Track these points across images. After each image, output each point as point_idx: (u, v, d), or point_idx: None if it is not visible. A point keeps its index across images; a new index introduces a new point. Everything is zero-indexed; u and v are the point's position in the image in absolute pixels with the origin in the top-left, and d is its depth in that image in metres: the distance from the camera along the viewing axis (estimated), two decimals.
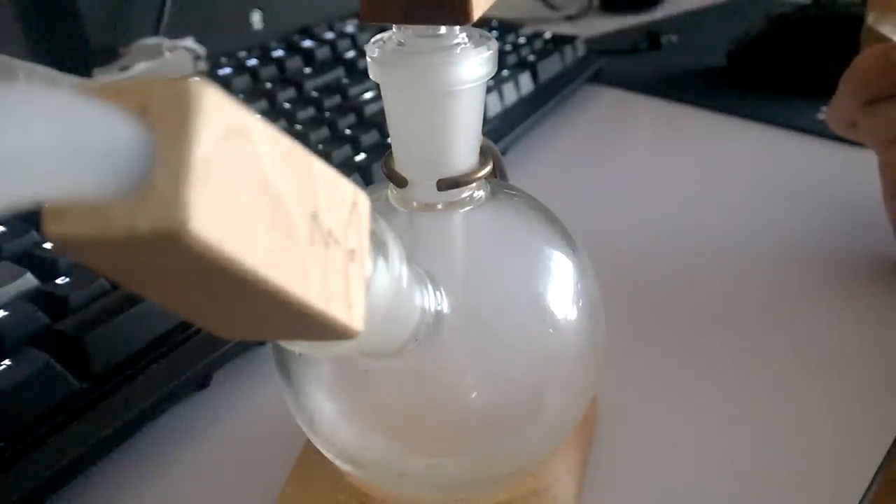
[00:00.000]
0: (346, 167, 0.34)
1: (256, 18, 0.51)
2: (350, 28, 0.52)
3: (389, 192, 0.17)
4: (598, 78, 0.54)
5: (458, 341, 0.16)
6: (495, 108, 0.43)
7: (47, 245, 0.26)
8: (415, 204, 0.17)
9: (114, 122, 0.07)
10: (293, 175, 0.09)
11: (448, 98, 0.15)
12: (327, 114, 0.39)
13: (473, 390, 0.17)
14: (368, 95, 0.42)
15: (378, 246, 0.12)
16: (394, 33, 0.15)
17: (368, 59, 0.15)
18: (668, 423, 0.24)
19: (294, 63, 0.45)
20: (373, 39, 0.15)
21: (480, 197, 0.17)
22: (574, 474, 0.21)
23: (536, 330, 0.17)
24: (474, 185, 0.17)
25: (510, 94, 0.44)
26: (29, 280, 0.24)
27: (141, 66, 0.41)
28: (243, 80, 0.42)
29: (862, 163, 0.33)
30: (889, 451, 0.22)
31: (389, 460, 0.17)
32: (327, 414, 0.18)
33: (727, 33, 0.57)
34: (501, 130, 0.41)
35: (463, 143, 0.16)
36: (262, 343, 0.27)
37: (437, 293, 0.15)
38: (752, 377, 0.26)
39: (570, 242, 0.19)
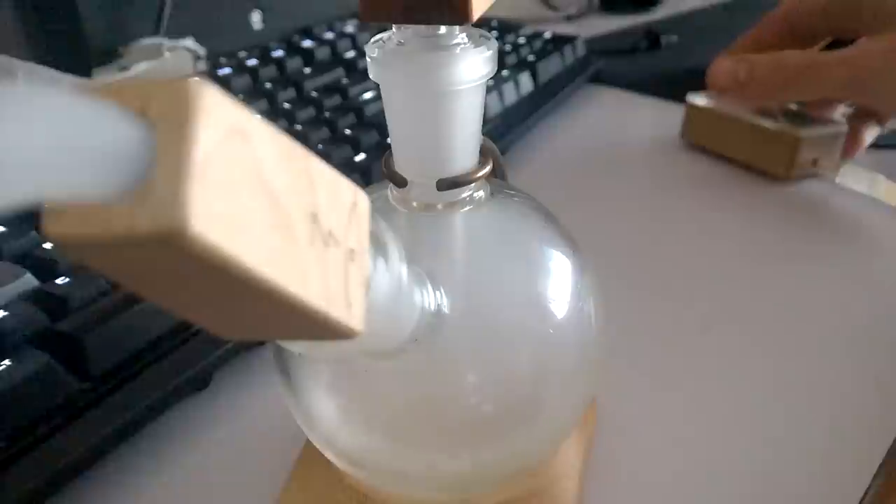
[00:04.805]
0: (346, 167, 0.34)
1: (256, 18, 0.51)
2: (350, 28, 0.52)
3: (389, 192, 0.17)
4: (598, 78, 0.54)
5: (458, 341, 0.16)
6: (495, 108, 0.43)
7: (47, 245, 0.26)
8: (415, 204, 0.17)
9: (114, 122, 0.07)
10: (293, 175, 0.09)
11: (448, 98, 0.15)
12: (327, 114, 0.39)
13: (473, 390, 0.17)
14: (368, 95, 0.42)
15: (378, 246, 0.12)
16: (394, 33, 0.15)
17: (368, 59, 0.15)
18: (668, 423, 0.24)
19: (294, 63, 0.45)
20: (373, 39, 0.15)
21: (480, 197, 0.17)
22: (574, 474, 0.21)
23: (536, 330, 0.17)
24: (474, 185, 0.17)
25: (510, 94, 0.44)
26: (29, 280, 0.24)
27: (141, 66, 0.41)
28: (243, 80, 0.42)
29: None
30: (889, 451, 0.22)
31: (389, 460, 0.17)
32: (327, 414, 0.18)
33: (727, 33, 0.57)
34: (501, 130, 0.41)
35: (463, 143, 0.16)
36: (262, 343, 0.26)
37: (437, 293, 0.15)
38: (752, 377, 0.26)
39: (569, 242, 0.19)
